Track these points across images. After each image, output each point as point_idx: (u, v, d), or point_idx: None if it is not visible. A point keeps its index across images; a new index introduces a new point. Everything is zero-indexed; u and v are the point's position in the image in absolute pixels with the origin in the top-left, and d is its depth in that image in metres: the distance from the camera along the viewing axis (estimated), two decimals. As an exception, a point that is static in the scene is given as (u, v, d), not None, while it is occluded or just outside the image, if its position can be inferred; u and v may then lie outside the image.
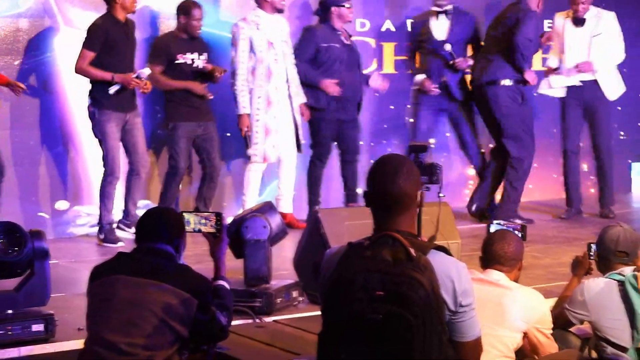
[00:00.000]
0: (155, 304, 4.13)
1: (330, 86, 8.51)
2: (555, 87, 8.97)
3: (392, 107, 9.57)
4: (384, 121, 9.62)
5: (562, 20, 8.96)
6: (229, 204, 8.97)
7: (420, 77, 8.89)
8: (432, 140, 8.86)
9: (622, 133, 10.61)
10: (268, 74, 8.36)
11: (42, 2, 8.25)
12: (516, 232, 5.06)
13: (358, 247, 3.40)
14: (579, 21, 8.88)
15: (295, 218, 8.57)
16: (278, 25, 8.46)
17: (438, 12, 8.86)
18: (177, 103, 8.27)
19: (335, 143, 8.81)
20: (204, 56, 8.35)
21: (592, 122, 9.00)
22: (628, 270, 4.85)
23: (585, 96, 8.90)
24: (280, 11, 8.44)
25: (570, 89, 8.92)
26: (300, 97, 8.54)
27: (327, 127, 8.66)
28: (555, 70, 8.98)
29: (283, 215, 8.34)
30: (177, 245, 4.35)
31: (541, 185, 10.18)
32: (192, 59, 8.30)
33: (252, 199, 8.38)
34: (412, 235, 3.46)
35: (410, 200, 3.47)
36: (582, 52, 8.86)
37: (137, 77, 7.82)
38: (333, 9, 8.59)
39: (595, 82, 8.88)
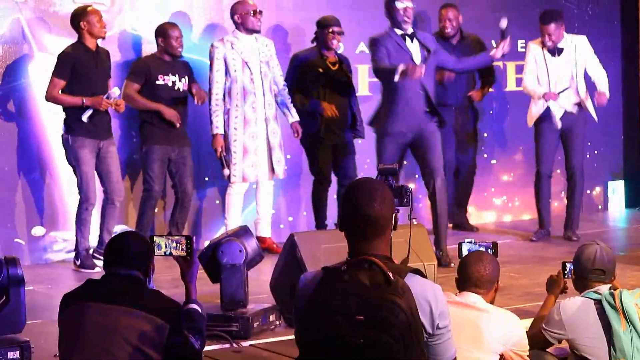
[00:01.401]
0: (127, 331, 4.10)
1: (328, 109, 8.54)
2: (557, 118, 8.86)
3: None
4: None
5: (539, 50, 8.84)
6: (207, 226, 8.96)
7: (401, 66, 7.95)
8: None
9: (596, 152, 10.67)
10: (243, 93, 8.34)
11: (16, 28, 8.24)
12: (488, 250, 5.09)
13: (335, 271, 3.39)
14: (555, 51, 8.81)
15: (274, 242, 8.55)
16: (256, 46, 8.44)
17: (406, 35, 8.04)
18: (151, 125, 8.26)
19: (332, 167, 8.80)
20: (185, 79, 8.36)
21: (567, 144, 8.98)
22: (604, 289, 4.88)
23: (562, 120, 8.88)
24: (254, 32, 8.41)
25: (546, 113, 8.86)
26: (292, 117, 8.56)
27: (322, 151, 8.68)
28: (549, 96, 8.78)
29: (262, 240, 8.38)
30: (146, 270, 4.33)
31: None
32: (173, 82, 8.31)
33: (234, 222, 8.32)
34: (388, 258, 3.47)
35: (386, 224, 3.48)
36: (566, 81, 8.82)
37: (106, 98, 7.80)
38: (317, 32, 8.69)
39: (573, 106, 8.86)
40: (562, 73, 8.84)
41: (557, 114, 8.82)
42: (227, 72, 8.33)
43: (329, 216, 8.83)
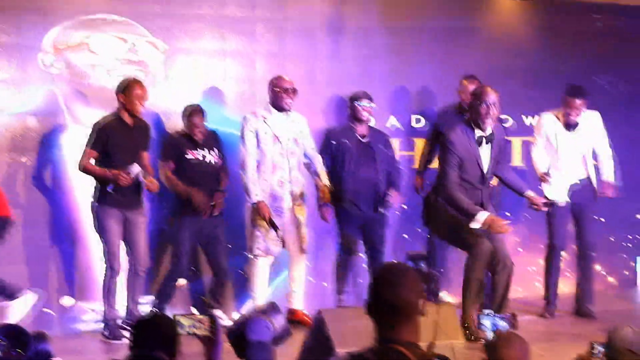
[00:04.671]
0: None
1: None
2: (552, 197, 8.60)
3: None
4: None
5: (553, 122, 8.76)
6: (232, 296, 8.95)
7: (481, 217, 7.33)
8: None
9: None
10: (272, 167, 8.36)
11: (51, 100, 8.35)
12: (506, 321, 5.11)
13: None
14: (571, 125, 8.72)
15: (305, 314, 8.47)
16: (288, 121, 8.45)
17: (483, 137, 7.54)
18: (182, 200, 8.28)
19: (362, 238, 8.80)
20: (215, 152, 8.42)
21: (580, 219, 8.90)
22: (635, 374, 4.85)
23: (573, 194, 8.78)
24: (283, 110, 8.41)
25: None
26: (322, 181, 8.55)
27: (350, 220, 8.68)
28: (546, 176, 8.72)
29: (293, 311, 8.35)
30: (172, 352, 4.35)
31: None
32: (203, 155, 8.37)
33: (262, 296, 8.32)
34: (414, 345, 3.47)
35: (413, 310, 3.49)
36: (577, 156, 8.79)
37: (127, 174, 7.84)
38: (349, 105, 8.77)
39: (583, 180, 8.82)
40: (574, 148, 8.77)
41: (558, 196, 8.54)
42: (257, 145, 8.38)
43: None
